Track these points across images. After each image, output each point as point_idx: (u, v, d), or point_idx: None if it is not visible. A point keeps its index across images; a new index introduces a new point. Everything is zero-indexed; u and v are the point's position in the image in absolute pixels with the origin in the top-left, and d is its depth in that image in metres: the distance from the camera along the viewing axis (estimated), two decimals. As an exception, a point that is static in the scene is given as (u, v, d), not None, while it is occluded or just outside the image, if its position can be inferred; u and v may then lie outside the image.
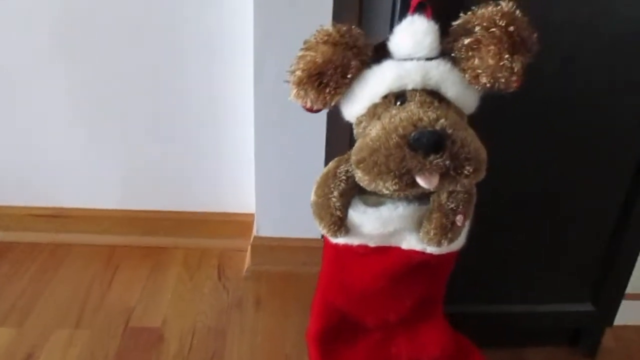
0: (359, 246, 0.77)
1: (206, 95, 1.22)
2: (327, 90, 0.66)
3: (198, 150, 1.27)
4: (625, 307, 1.08)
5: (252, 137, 1.11)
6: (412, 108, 0.64)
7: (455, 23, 0.67)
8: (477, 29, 0.64)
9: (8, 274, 1.23)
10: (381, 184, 0.64)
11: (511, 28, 0.63)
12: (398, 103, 0.67)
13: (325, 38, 0.66)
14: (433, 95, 0.67)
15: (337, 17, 0.96)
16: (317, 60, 0.65)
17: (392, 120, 0.64)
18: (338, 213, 0.73)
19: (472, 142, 0.63)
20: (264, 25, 1.00)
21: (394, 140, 0.62)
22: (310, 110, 0.71)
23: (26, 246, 1.29)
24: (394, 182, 0.63)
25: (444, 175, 0.63)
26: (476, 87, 0.67)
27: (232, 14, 1.10)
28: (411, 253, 0.77)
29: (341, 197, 0.73)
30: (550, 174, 0.94)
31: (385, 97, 0.67)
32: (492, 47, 0.63)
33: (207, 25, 1.14)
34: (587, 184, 0.94)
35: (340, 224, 0.74)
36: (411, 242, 0.75)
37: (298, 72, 0.66)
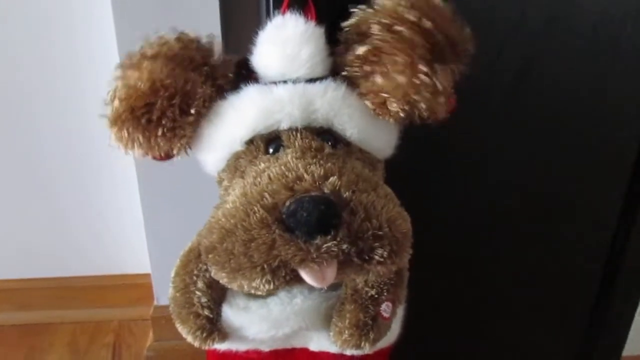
0: (249, 352, 0.53)
1: (84, 151, 0.97)
2: (160, 132, 0.42)
3: (82, 207, 1.02)
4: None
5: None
6: (289, 160, 0.41)
7: (346, 24, 0.43)
8: (375, 29, 0.41)
9: None
10: (245, 283, 0.40)
11: (427, 24, 0.40)
12: (270, 151, 0.43)
13: (157, 50, 0.43)
14: (324, 137, 0.43)
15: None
16: (139, 85, 0.41)
17: (257, 180, 0.40)
18: (206, 312, 0.49)
19: (384, 209, 0.40)
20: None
21: (258, 214, 0.38)
22: (160, 158, 0.47)
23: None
24: (264, 280, 0.39)
25: (345, 264, 0.39)
26: (386, 118, 0.44)
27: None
28: (324, 356, 0.53)
29: (209, 288, 0.49)
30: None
31: (251, 142, 0.44)
32: (399, 57, 0.40)
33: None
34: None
35: (211, 329, 0.49)
36: (322, 343, 0.52)
37: (115, 104, 0.42)
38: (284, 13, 0.44)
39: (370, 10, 0.43)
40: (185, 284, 0.49)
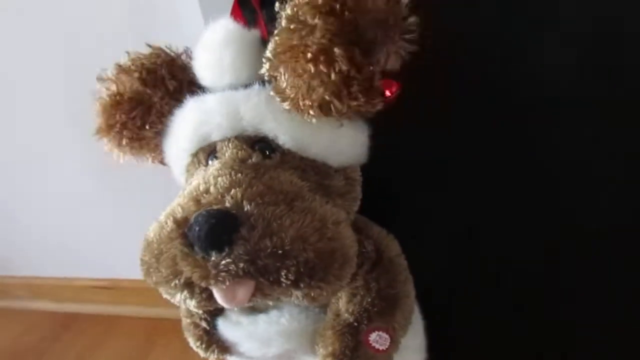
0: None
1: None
2: (124, 142, 0.45)
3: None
4: None
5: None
6: (210, 172, 0.39)
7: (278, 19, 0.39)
8: (283, 21, 0.37)
9: (68, 344, 1.23)
10: (171, 298, 0.39)
11: (325, 6, 0.34)
12: (210, 161, 0.42)
13: (130, 64, 0.45)
14: (260, 145, 0.40)
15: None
16: (109, 98, 0.45)
17: (181, 194, 0.39)
18: (203, 324, 0.50)
19: (293, 225, 0.35)
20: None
21: (167, 228, 0.37)
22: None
23: (86, 317, 1.28)
24: (183, 296, 0.38)
25: (259, 284, 0.36)
26: (307, 118, 0.38)
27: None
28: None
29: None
30: None
31: (196, 154, 0.43)
32: (290, 48, 0.36)
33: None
34: None
35: (209, 340, 0.50)
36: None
37: (98, 114, 0.46)
38: (231, 16, 0.42)
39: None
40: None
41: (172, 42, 0.47)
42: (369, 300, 0.43)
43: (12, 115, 1.10)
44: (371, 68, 0.35)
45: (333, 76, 0.34)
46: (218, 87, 0.41)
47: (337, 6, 0.34)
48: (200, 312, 0.49)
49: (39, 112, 1.08)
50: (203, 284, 0.36)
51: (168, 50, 0.46)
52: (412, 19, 0.35)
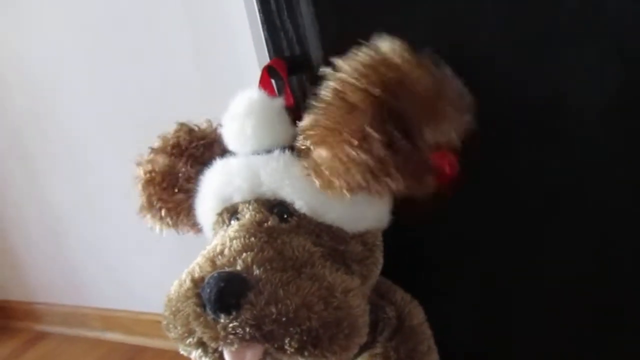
0: None
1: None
2: (164, 213, 0.49)
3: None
4: None
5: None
6: (228, 233, 0.40)
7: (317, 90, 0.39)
8: (327, 97, 0.37)
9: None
10: (187, 355, 0.41)
11: (376, 91, 0.35)
12: (232, 222, 0.43)
13: (159, 144, 0.50)
14: (279, 209, 0.41)
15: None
16: (144, 178, 0.49)
17: (203, 253, 0.41)
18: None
19: (299, 292, 0.35)
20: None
21: (185, 286, 0.39)
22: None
23: (155, 351, 1.33)
24: (197, 354, 0.39)
25: (267, 349, 0.36)
26: (335, 196, 0.38)
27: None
28: None
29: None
30: None
31: (221, 213, 0.44)
32: (336, 129, 0.36)
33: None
34: None
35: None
36: None
37: (139, 194, 0.50)
38: (259, 85, 0.44)
39: (331, 73, 0.38)
40: None
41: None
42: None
43: (86, 161, 1.18)
44: (411, 148, 0.35)
45: (370, 162, 0.34)
46: (241, 152, 0.43)
47: (382, 89, 0.34)
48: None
49: (112, 158, 1.15)
50: (213, 345, 0.37)
51: (190, 124, 0.49)
52: (467, 97, 0.35)
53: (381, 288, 0.44)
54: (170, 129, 0.50)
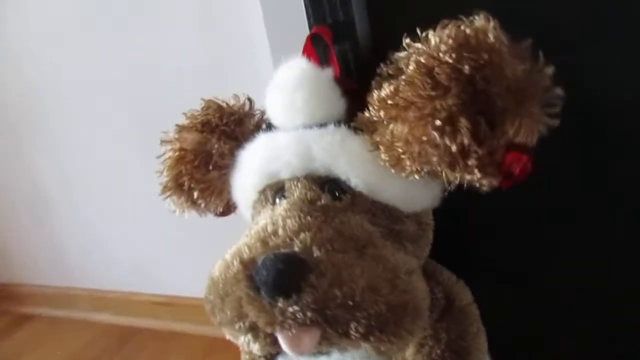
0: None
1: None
2: (196, 195, 0.46)
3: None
4: None
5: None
6: (278, 212, 0.38)
7: (384, 67, 0.37)
8: (410, 69, 0.34)
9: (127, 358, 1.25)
10: (235, 339, 0.39)
11: (466, 69, 0.32)
12: (277, 201, 0.41)
13: (188, 121, 0.47)
14: (330, 186, 0.39)
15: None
16: (173, 156, 0.46)
17: (247, 232, 0.39)
18: (262, 361, 0.49)
19: (365, 274, 0.33)
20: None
21: (234, 268, 0.36)
22: (220, 214, 0.50)
23: (148, 332, 1.30)
24: (247, 339, 0.37)
25: (326, 333, 0.34)
26: (402, 175, 0.36)
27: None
28: None
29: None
30: None
31: (263, 191, 0.42)
32: (416, 106, 0.33)
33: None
34: None
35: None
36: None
37: (164, 175, 0.47)
38: (303, 54, 0.42)
39: (417, 45, 0.35)
40: None
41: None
42: (438, 352, 0.40)
43: (94, 143, 1.14)
44: (495, 142, 0.32)
45: (454, 148, 0.32)
46: (290, 126, 0.40)
47: (473, 69, 0.32)
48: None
49: (117, 143, 1.11)
50: (268, 330, 0.35)
51: (218, 101, 0.47)
52: (556, 91, 0.33)
53: (428, 268, 0.43)
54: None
